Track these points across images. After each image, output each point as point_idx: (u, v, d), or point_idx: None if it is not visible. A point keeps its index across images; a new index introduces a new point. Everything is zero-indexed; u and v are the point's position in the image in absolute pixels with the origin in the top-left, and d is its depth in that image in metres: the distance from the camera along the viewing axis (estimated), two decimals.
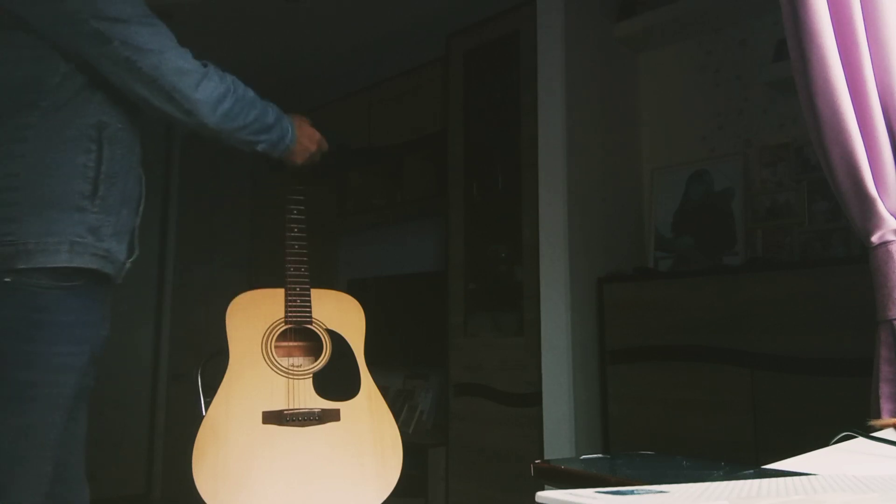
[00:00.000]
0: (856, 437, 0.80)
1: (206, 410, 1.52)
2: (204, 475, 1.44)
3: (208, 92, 1.26)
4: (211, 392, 1.56)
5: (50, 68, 1.13)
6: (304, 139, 1.51)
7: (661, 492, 0.47)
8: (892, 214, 1.12)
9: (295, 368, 1.63)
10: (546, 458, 2.20)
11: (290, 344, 1.68)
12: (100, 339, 1.24)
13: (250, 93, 1.39)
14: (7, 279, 1.06)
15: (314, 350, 1.69)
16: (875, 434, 0.81)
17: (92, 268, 1.14)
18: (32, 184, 1.10)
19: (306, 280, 1.70)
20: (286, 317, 1.67)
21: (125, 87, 1.20)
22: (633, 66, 2.67)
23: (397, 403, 3.05)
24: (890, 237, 1.12)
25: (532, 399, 2.27)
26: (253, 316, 1.65)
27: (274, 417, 1.55)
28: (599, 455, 0.87)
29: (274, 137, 1.42)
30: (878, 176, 1.12)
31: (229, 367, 1.58)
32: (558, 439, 2.17)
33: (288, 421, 1.55)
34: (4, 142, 1.10)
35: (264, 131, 1.39)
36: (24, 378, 1.06)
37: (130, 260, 1.29)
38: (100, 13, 1.13)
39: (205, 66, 1.29)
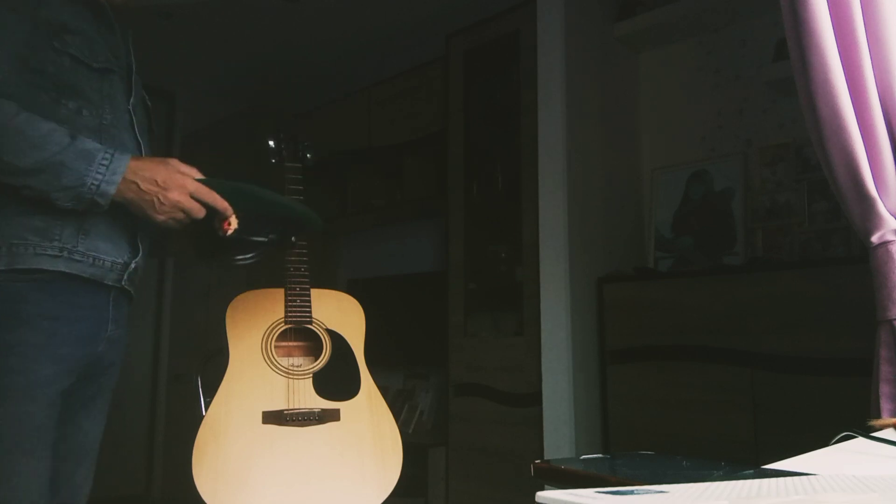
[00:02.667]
0: (856, 437, 0.80)
1: (206, 410, 1.52)
2: (204, 475, 1.44)
3: None
4: (211, 392, 1.56)
5: None
6: (149, 185, 1.07)
7: (661, 492, 0.47)
8: (892, 214, 1.12)
9: (295, 368, 1.63)
10: (546, 458, 2.20)
11: (290, 344, 1.68)
12: (88, 341, 1.13)
13: (27, 126, 1.03)
14: None
15: (314, 350, 1.69)
16: (875, 434, 0.81)
17: (44, 268, 1.05)
18: None
19: (306, 280, 1.70)
20: (286, 317, 1.67)
21: None
22: (633, 66, 2.67)
23: (397, 403, 3.05)
24: (890, 237, 1.12)
25: (532, 399, 2.27)
26: (253, 316, 1.65)
27: (274, 417, 1.55)
28: (599, 455, 0.87)
29: (49, 183, 1.02)
30: (878, 176, 1.12)
31: (229, 367, 1.58)
32: (558, 439, 2.17)
33: (288, 421, 1.55)
34: None
35: (25, 174, 1.01)
36: None
37: (135, 260, 1.19)
38: None
39: None
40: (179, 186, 1.09)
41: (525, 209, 2.39)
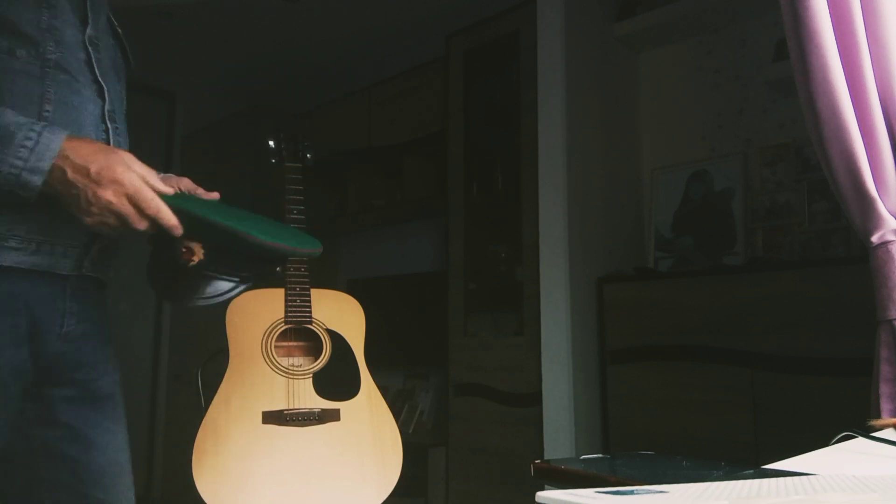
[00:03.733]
0: (856, 437, 0.80)
1: (206, 410, 1.52)
2: (204, 475, 1.44)
3: None
4: (211, 392, 1.56)
5: None
6: (78, 175, 0.82)
7: (661, 492, 0.47)
8: (892, 214, 1.12)
9: (295, 368, 1.63)
10: (546, 458, 2.20)
11: (290, 344, 1.68)
12: (34, 339, 0.93)
13: None
14: None
15: (314, 350, 1.69)
16: (875, 434, 0.81)
17: None
18: None
19: (306, 280, 1.70)
20: (286, 317, 1.67)
21: None
22: (633, 65, 2.67)
23: (397, 403, 3.05)
24: (890, 237, 1.12)
25: (532, 399, 2.27)
26: (253, 316, 1.65)
27: (274, 417, 1.55)
28: (599, 455, 0.87)
29: None
30: (878, 176, 1.12)
31: (229, 367, 1.58)
32: (558, 439, 2.17)
33: (288, 421, 1.55)
34: None
35: None
36: None
37: (98, 242, 0.97)
38: None
39: None
40: (113, 182, 0.82)
41: (525, 209, 2.39)
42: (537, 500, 0.44)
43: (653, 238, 2.49)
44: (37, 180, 0.81)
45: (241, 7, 3.19)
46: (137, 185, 0.84)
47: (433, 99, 2.96)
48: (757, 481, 0.55)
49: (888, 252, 1.12)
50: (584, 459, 0.79)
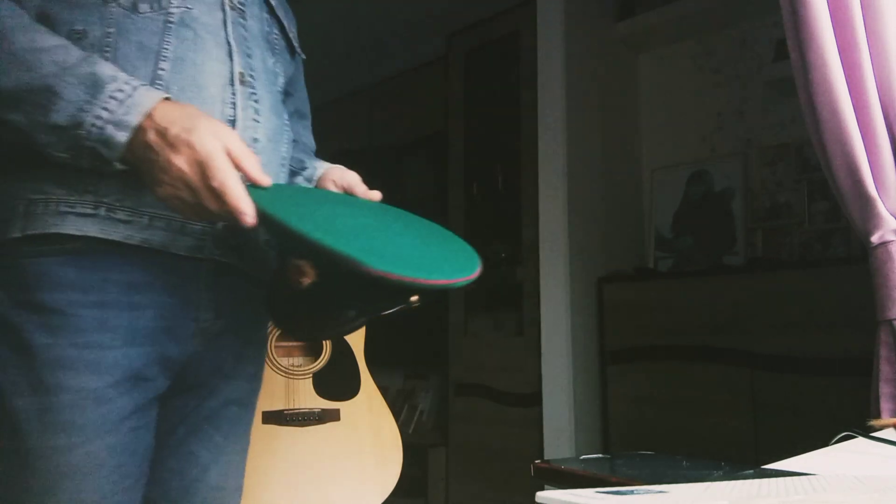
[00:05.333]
0: (856, 437, 0.80)
1: None
2: None
3: None
4: None
5: None
6: (156, 137, 0.68)
7: (661, 492, 0.47)
8: (892, 214, 1.12)
9: (295, 368, 1.63)
10: (546, 458, 2.20)
11: (290, 344, 1.68)
12: (163, 337, 0.80)
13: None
14: None
15: (314, 350, 1.69)
16: (875, 434, 0.81)
17: (69, 233, 0.73)
18: None
19: None
20: None
21: None
22: (633, 66, 2.67)
23: (397, 403, 3.05)
24: (890, 237, 1.12)
25: (532, 399, 2.27)
26: None
27: (274, 417, 1.55)
28: (599, 455, 0.88)
29: (31, 118, 0.69)
30: (878, 176, 1.12)
31: None
32: (558, 439, 2.17)
33: (288, 421, 1.55)
34: None
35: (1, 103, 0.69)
36: (6, 383, 0.72)
37: (223, 228, 0.83)
38: None
39: None
40: (188, 146, 0.68)
41: (525, 209, 2.39)
42: (537, 500, 0.44)
43: (653, 238, 2.49)
44: (122, 137, 0.68)
45: None
46: (212, 152, 0.68)
47: (433, 99, 2.96)
48: (757, 481, 0.55)
49: (888, 252, 1.12)
50: (584, 459, 0.79)
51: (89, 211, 0.74)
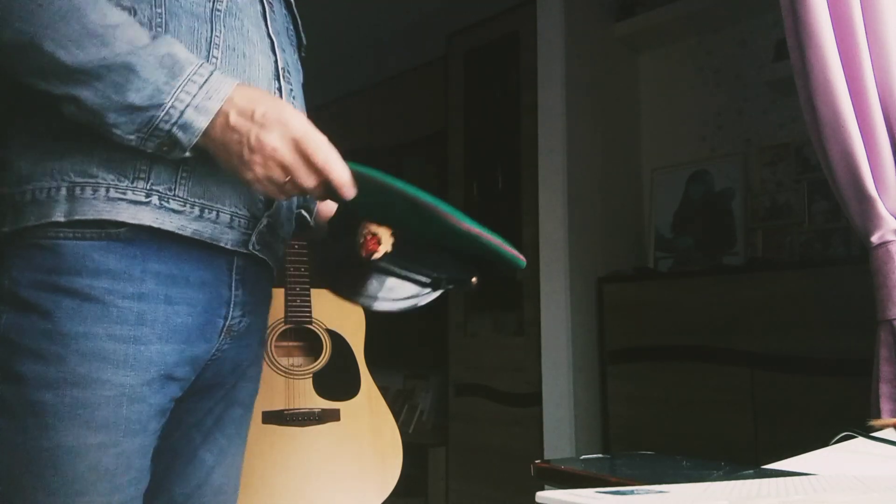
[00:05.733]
0: (856, 437, 0.80)
1: None
2: None
3: None
4: None
5: None
6: (241, 119, 0.67)
7: (661, 492, 0.47)
8: (892, 214, 1.12)
9: (295, 368, 1.63)
10: (546, 458, 2.20)
11: (290, 344, 1.68)
12: (195, 334, 0.76)
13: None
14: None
15: (314, 350, 1.69)
16: (875, 434, 0.81)
17: (121, 220, 0.70)
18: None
19: (306, 280, 1.70)
20: (286, 317, 1.67)
21: None
22: (633, 66, 2.67)
23: (397, 403, 3.05)
24: (890, 237, 1.12)
25: (532, 399, 2.27)
26: None
27: (274, 417, 1.55)
28: (599, 455, 0.87)
29: (106, 96, 0.65)
30: (878, 176, 1.12)
31: None
32: (558, 439, 2.17)
33: (288, 421, 1.55)
34: None
35: (72, 77, 0.64)
36: (32, 373, 0.67)
37: (269, 213, 0.82)
38: None
39: None
40: (280, 124, 0.67)
41: (525, 209, 2.39)
42: (537, 500, 0.44)
43: (653, 238, 2.49)
44: (202, 122, 0.66)
45: None
46: (308, 128, 0.69)
47: (433, 99, 2.96)
48: (757, 481, 0.55)
49: (888, 252, 1.12)
50: (584, 459, 0.79)
51: (142, 199, 0.70)
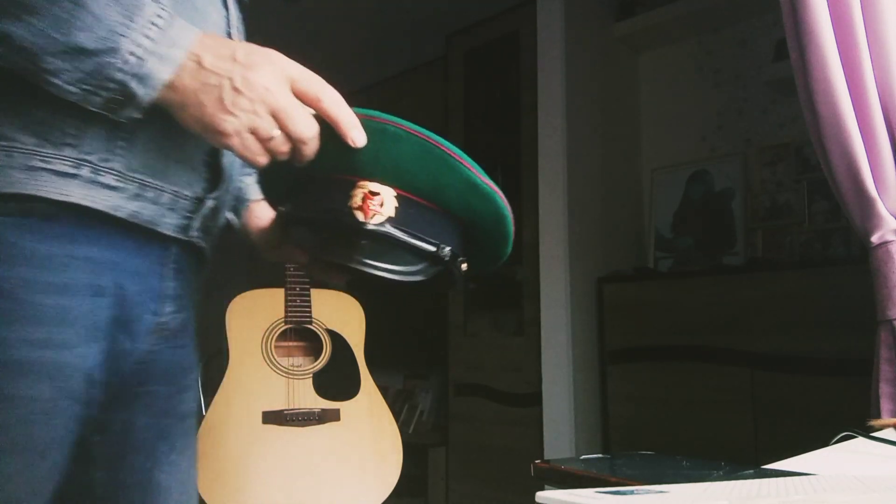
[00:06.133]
0: (856, 437, 0.80)
1: (206, 410, 1.52)
2: (204, 475, 1.44)
3: None
4: (211, 392, 1.56)
5: None
6: (220, 61, 0.56)
7: (661, 492, 0.47)
8: (892, 214, 1.12)
9: (295, 368, 1.63)
10: (546, 458, 2.20)
11: (290, 344, 1.68)
12: (119, 330, 0.64)
13: None
14: None
15: (314, 350, 1.69)
16: (875, 434, 0.81)
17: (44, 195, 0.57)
18: None
19: (306, 280, 1.70)
20: (286, 317, 1.67)
21: None
22: (633, 66, 2.67)
23: (397, 403, 3.05)
24: (890, 237, 1.12)
25: (532, 399, 2.27)
26: (253, 316, 1.65)
27: (274, 417, 1.55)
28: (599, 455, 0.88)
29: (48, 38, 0.52)
30: (878, 176, 1.12)
31: (229, 367, 1.58)
32: (558, 439, 2.17)
33: (288, 421, 1.55)
34: None
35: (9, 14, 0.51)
36: None
37: (216, 194, 0.70)
38: None
39: None
40: (270, 63, 0.57)
41: (525, 209, 2.39)
42: (537, 500, 0.44)
43: (653, 238, 2.49)
44: (164, 74, 0.54)
45: None
46: (301, 68, 0.59)
47: (433, 99, 2.96)
48: (757, 481, 0.55)
49: (888, 252, 1.12)
50: (584, 459, 0.79)
51: (69, 170, 0.57)
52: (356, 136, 0.61)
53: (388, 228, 0.62)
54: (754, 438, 1.83)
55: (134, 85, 0.54)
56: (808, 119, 1.17)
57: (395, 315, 3.06)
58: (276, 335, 1.64)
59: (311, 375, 1.63)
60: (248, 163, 0.59)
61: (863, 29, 1.11)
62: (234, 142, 0.57)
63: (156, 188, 0.63)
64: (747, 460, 1.78)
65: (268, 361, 1.60)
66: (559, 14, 2.34)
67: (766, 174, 2.30)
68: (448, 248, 0.65)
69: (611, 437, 2.17)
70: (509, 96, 2.53)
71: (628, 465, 0.77)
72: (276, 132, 0.57)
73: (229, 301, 1.65)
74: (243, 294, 1.67)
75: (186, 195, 0.66)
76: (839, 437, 0.81)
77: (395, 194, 0.63)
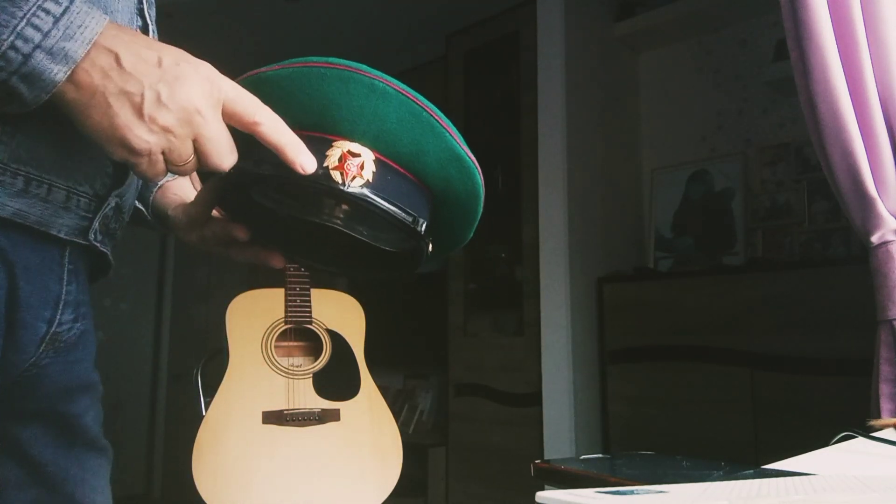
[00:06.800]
0: (856, 437, 0.80)
1: (206, 410, 1.52)
2: (204, 475, 1.44)
3: None
4: (211, 392, 1.56)
5: None
6: (139, 63, 0.47)
7: (660, 492, 0.47)
8: (892, 214, 1.12)
9: (295, 368, 1.63)
10: (546, 458, 2.20)
11: (290, 344, 1.68)
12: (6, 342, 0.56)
13: None
14: None
15: (314, 350, 1.69)
16: (875, 434, 0.81)
17: None
18: None
19: (306, 280, 1.70)
20: (286, 317, 1.67)
21: None
22: (633, 66, 2.67)
23: (397, 403, 3.05)
24: (890, 237, 1.12)
25: (532, 399, 2.27)
26: (253, 316, 1.65)
27: (274, 417, 1.55)
28: (599, 455, 0.87)
29: None
30: (878, 176, 1.12)
31: (229, 367, 1.58)
32: (558, 439, 2.17)
33: (288, 421, 1.55)
34: None
35: None
36: None
37: (118, 192, 0.61)
38: None
39: None
40: (205, 80, 0.49)
41: (525, 209, 2.39)
42: (537, 500, 0.44)
43: (653, 238, 2.49)
44: (57, 73, 0.45)
45: (241, 7, 3.19)
46: (238, 88, 0.52)
47: (433, 99, 2.95)
48: (757, 481, 0.55)
49: (888, 252, 1.12)
50: (584, 459, 0.79)
51: None
52: (304, 161, 0.53)
53: (369, 193, 0.55)
54: (754, 438, 1.83)
55: (18, 85, 0.44)
56: (808, 119, 1.17)
57: (396, 315, 3.06)
58: (277, 335, 1.64)
59: (311, 375, 1.63)
60: (141, 179, 0.52)
61: (863, 29, 1.11)
62: (142, 161, 0.48)
63: (47, 183, 0.54)
64: (747, 460, 1.78)
65: (268, 361, 1.61)
66: (559, 14, 2.34)
67: (766, 174, 2.30)
68: (424, 222, 0.59)
69: (611, 437, 2.17)
70: (509, 96, 2.53)
71: (628, 465, 0.77)
72: (192, 160, 0.49)
73: (229, 301, 1.65)
74: (243, 294, 1.68)
75: (85, 192, 0.57)
76: (839, 437, 0.80)
77: (374, 158, 0.57)
